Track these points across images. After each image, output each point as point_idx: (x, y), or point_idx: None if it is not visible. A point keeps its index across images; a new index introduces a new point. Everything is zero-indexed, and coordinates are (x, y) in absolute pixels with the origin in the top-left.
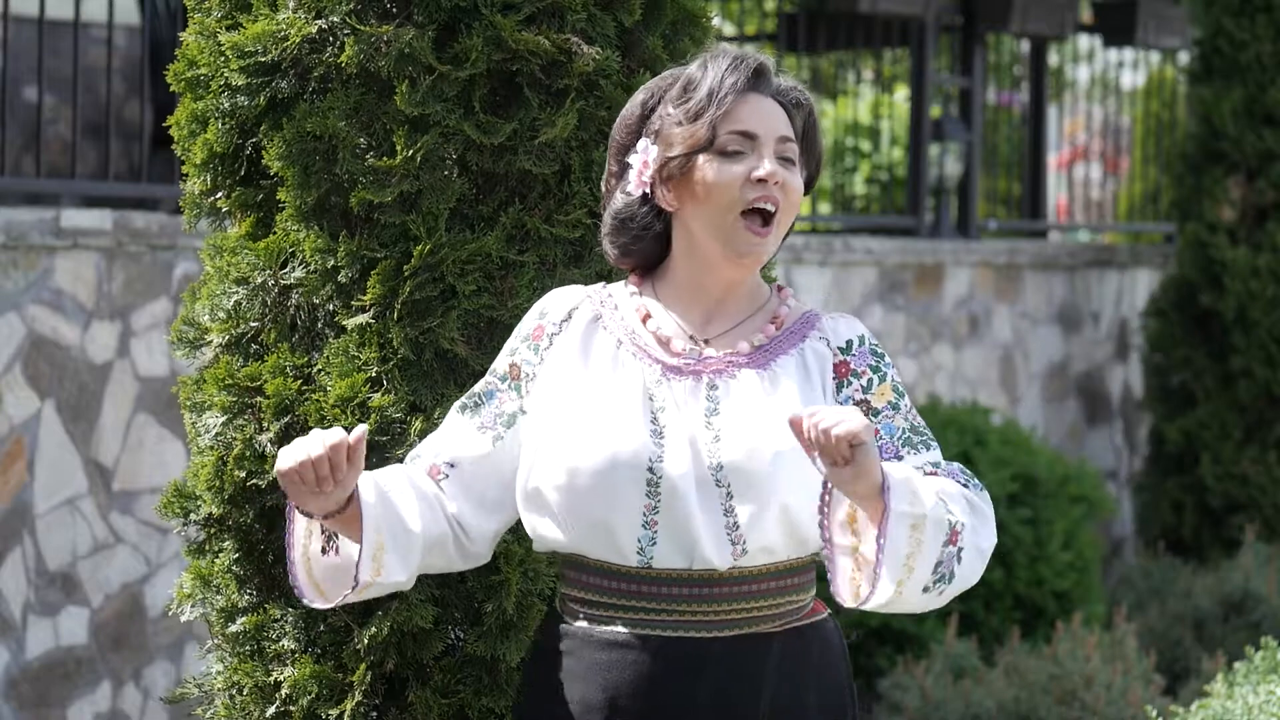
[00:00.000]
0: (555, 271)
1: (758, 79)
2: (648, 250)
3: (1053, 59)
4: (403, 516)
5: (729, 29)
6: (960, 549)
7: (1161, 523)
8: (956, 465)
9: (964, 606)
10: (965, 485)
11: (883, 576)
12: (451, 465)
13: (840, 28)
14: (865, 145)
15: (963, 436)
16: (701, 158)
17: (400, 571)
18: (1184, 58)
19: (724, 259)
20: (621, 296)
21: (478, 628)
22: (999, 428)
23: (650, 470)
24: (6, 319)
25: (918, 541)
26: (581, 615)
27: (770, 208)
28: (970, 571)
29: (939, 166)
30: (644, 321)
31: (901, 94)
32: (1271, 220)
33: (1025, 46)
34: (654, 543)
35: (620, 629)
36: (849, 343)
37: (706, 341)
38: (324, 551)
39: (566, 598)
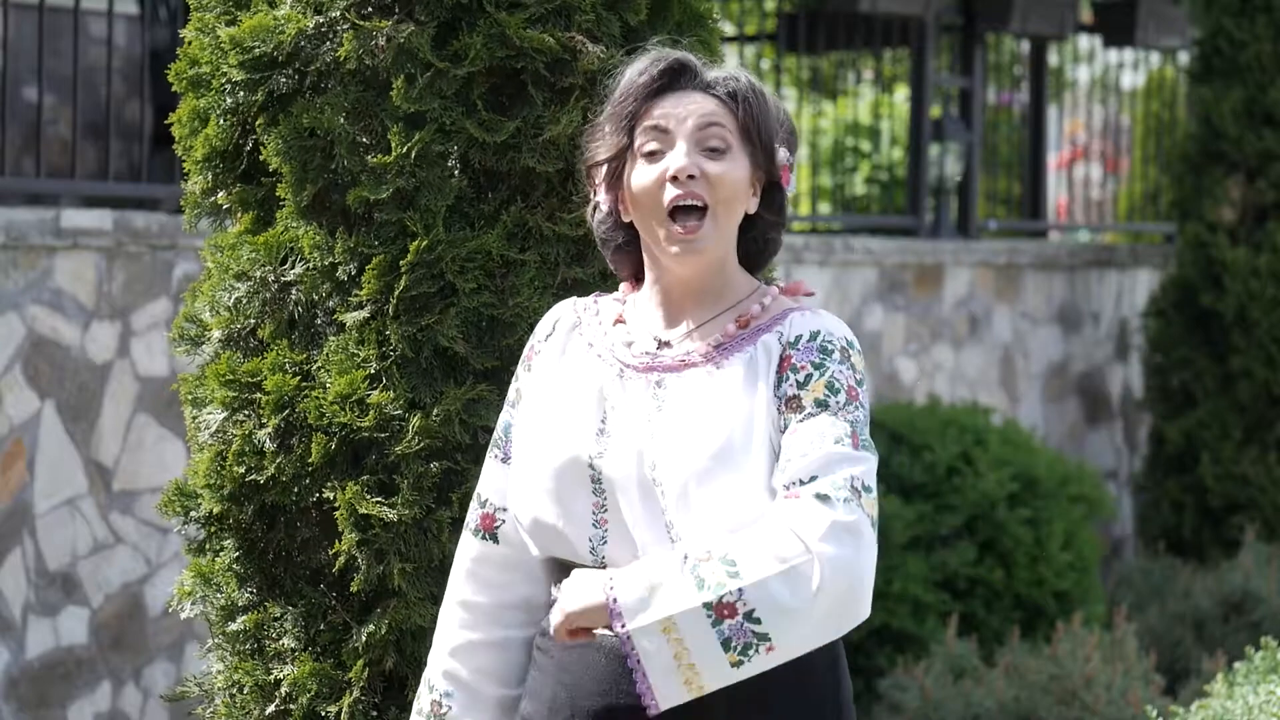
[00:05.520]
0: (557, 270)
1: (678, 76)
2: (626, 260)
3: (1053, 59)
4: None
5: (729, 29)
6: (749, 612)
7: (1161, 523)
8: (837, 480)
9: (964, 606)
10: (827, 502)
11: (657, 686)
12: (505, 510)
13: (840, 28)
14: (865, 145)
15: (963, 436)
16: (629, 163)
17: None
18: (1184, 58)
19: (668, 258)
20: (606, 304)
21: None
22: (999, 428)
23: (591, 468)
24: (6, 319)
25: (678, 640)
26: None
27: (692, 203)
28: (793, 621)
29: (939, 166)
30: (615, 325)
31: (901, 94)
32: (1271, 220)
33: (1025, 46)
34: (604, 541)
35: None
36: (798, 337)
37: (668, 342)
38: None
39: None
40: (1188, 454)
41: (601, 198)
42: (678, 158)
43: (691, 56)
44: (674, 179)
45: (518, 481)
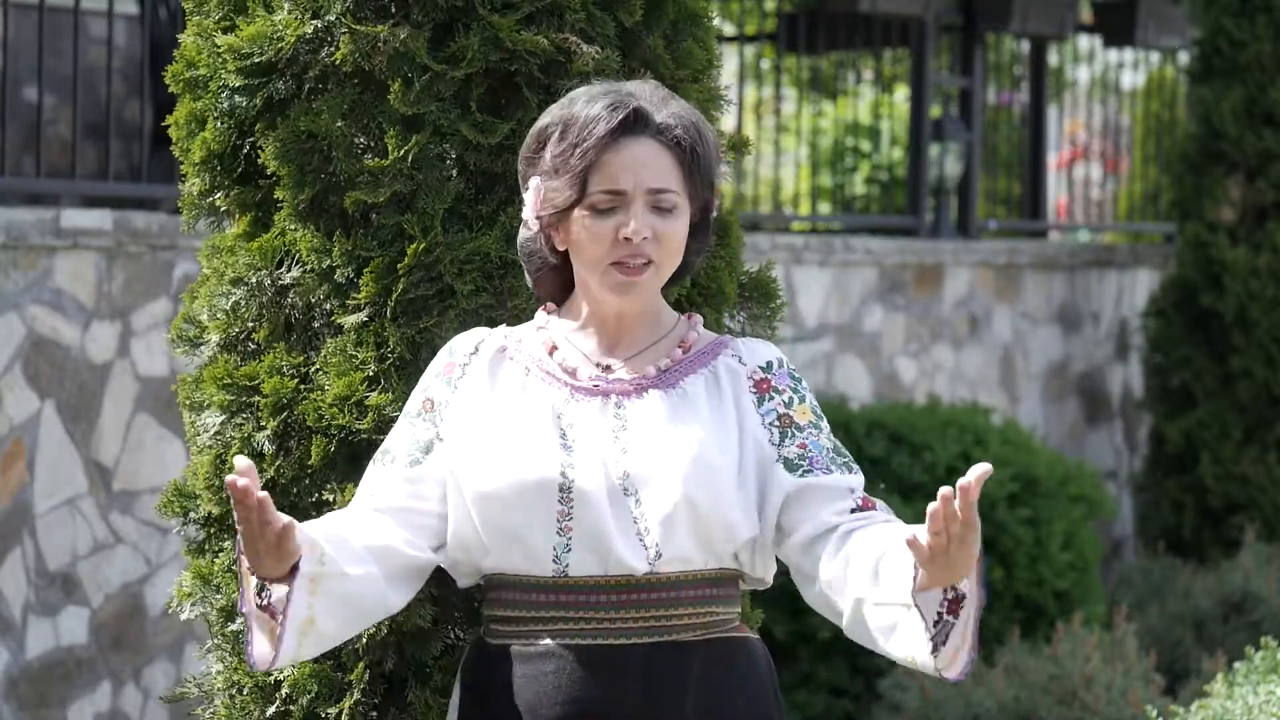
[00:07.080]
0: None
1: (633, 123)
2: (553, 281)
3: (1053, 59)
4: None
5: (729, 29)
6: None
7: (1161, 523)
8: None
9: None
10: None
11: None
12: (383, 511)
13: (840, 28)
14: (865, 145)
15: (963, 436)
16: (576, 211)
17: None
18: (1184, 58)
19: (604, 295)
20: (526, 333)
21: (477, 627)
22: (999, 428)
23: (563, 475)
24: (6, 319)
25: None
26: (505, 634)
27: (636, 262)
28: None
29: (939, 166)
30: (550, 353)
31: (901, 94)
32: (1271, 220)
33: (1025, 46)
34: (569, 549)
35: (543, 642)
36: (769, 363)
37: (610, 367)
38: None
39: (490, 620)
40: (1188, 454)
41: (532, 218)
42: (632, 222)
43: (644, 100)
44: (627, 239)
45: (469, 495)
